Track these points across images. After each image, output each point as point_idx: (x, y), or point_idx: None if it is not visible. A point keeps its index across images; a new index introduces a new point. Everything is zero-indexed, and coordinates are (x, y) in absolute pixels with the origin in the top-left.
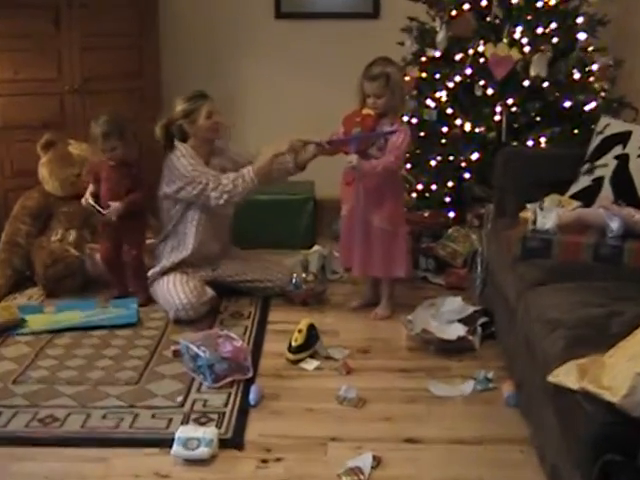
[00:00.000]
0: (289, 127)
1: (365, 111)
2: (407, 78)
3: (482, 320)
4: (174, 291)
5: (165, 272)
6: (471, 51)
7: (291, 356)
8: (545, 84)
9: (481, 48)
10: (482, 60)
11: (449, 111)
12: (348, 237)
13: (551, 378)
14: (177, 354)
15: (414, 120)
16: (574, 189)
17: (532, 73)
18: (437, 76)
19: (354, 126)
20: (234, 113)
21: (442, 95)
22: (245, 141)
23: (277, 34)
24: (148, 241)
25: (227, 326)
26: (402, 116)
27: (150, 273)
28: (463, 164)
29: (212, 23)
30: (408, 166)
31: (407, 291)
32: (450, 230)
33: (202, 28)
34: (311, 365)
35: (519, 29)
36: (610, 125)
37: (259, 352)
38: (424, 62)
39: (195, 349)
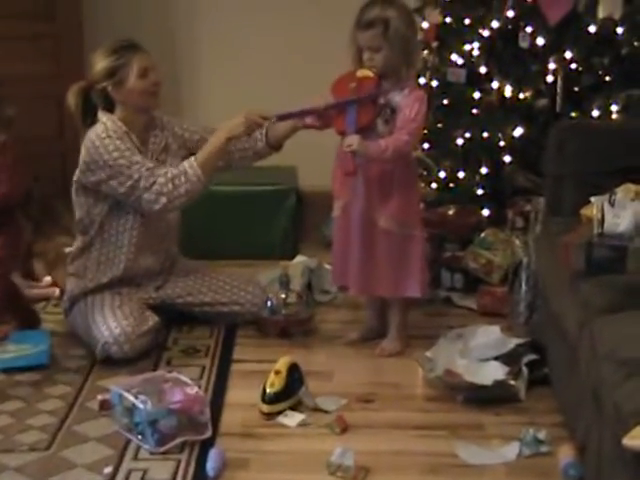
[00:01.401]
0: (258, 97)
1: (361, 73)
2: (425, 24)
3: (529, 358)
4: (101, 318)
5: (89, 293)
6: None
7: (266, 407)
8: (619, 30)
9: None
10: None
11: (483, 70)
12: (343, 244)
13: (627, 441)
14: (106, 406)
15: (434, 83)
16: None
17: (601, 14)
18: (467, 21)
19: (349, 93)
20: (181, 76)
21: (473, 48)
22: (195, 118)
23: None
24: (68, 249)
25: (177, 367)
26: (418, 77)
27: (67, 295)
28: (502, 143)
29: None
30: (426, 146)
31: (424, 318)
32: (484, 234)
33: None
34: (293, 420)
35: None
36: None
37: (221, 402)
38: (449, 1)
39: (132, 399)
